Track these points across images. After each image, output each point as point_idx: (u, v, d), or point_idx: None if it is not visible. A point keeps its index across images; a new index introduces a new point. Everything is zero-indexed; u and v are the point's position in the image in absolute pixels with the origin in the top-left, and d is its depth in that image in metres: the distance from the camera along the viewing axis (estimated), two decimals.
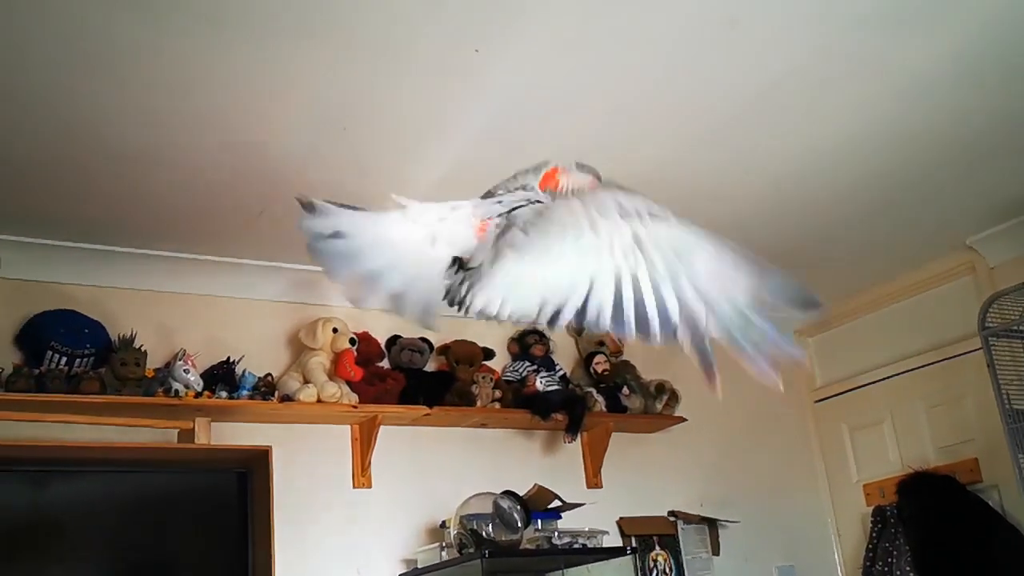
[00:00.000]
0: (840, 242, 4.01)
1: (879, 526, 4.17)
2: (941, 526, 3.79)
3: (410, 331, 3.96)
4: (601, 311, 1.21)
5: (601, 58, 2.61)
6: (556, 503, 3.57)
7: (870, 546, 4.16)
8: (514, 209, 1.40)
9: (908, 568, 3.89)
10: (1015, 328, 3.57)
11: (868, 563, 4.12)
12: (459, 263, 1.37)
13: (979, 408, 3.97)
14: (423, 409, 3.71)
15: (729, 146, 3.17)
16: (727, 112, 2.96)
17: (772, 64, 2.72)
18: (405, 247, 1.38)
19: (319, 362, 3.61)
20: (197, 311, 3.66)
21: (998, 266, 4.03)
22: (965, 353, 4.06)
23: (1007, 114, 3.05)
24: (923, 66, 2.77)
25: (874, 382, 4.58)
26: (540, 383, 4.01)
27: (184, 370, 3.31)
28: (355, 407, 3.58)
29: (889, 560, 4.00)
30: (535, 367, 4.07)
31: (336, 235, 1.38)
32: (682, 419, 4.26)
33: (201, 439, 3.22)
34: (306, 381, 3.56)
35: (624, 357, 4.35)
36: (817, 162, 3.30)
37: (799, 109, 2.97)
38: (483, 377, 3.93)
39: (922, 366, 4.35)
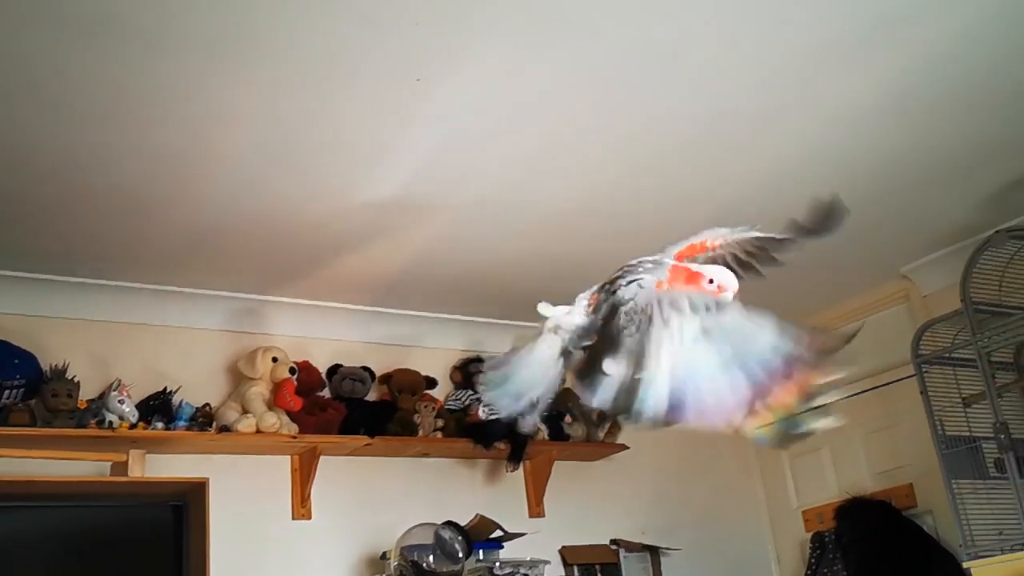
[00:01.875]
0: (779, 271, 4.06)
1: (817, 551, 4.21)
2: (878, 551, 3.84)
3: (351, 360, 3.93)
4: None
5: (543, 87, 2.62)
6: (498, 533, 3.56)
7: (808, 572, 4.20)
8: (615, 281, 1.57)
9: None
10: (947, 355, 3.64)
11: None
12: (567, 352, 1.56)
13: (914, 434, 4.04)
14: (364, 439, 3.67)
15: (671, 175, 3.20)
16: (669, 142, 3.00)
17: (712, 96, 2.76)
18: (543, 359, 1.59)
19: (258, 392, 3.56)
20: (133, 340, 3.59)
21: (931, 294, 4.12)
22: (900, 380, 4.13)
23: (939, 145, 3.12)
24: (859, 99, 2.84)
25: (812, 409, 4.62)
26: (483, 412, 3.97)
27: (119, 401, 3.24)
28: (295, 437, 3.54)
29: None
30: (478, 396, 4.05)
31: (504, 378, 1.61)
32: (624, 447, 4.27)
33: (135, 471, 3.15)
34: (245, 411, 3.51)
35: (566, 385, 4.34)
36: (756, 191, 3.35)
37: (739, 139, 3.02)
38: (425, 406, 3.91)
39: (859, 393, 4.41)
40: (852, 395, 4.45)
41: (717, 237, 1.70)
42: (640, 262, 1.55)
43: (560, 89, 2.65)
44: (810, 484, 4.60)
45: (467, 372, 4.14)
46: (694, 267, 1.44)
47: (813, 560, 4.22)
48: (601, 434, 4.26)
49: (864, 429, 4.39)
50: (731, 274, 1.42)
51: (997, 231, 3.50)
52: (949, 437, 3.54)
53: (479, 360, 4.16)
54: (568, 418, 4.20)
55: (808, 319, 4.59)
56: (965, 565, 3.31)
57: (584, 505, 4.26)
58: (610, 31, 2.41)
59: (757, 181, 3.27)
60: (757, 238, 1.71)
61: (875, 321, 4.41)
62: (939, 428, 3.54)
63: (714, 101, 2.79)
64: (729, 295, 1.38)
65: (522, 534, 3.67)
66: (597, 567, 4.13)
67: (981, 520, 3.40)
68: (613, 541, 4.22)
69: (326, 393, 3.84)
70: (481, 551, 3.49)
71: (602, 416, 4.30)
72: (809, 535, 4.39)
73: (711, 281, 1.40)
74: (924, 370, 3.64)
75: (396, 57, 2.43)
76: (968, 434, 3.54)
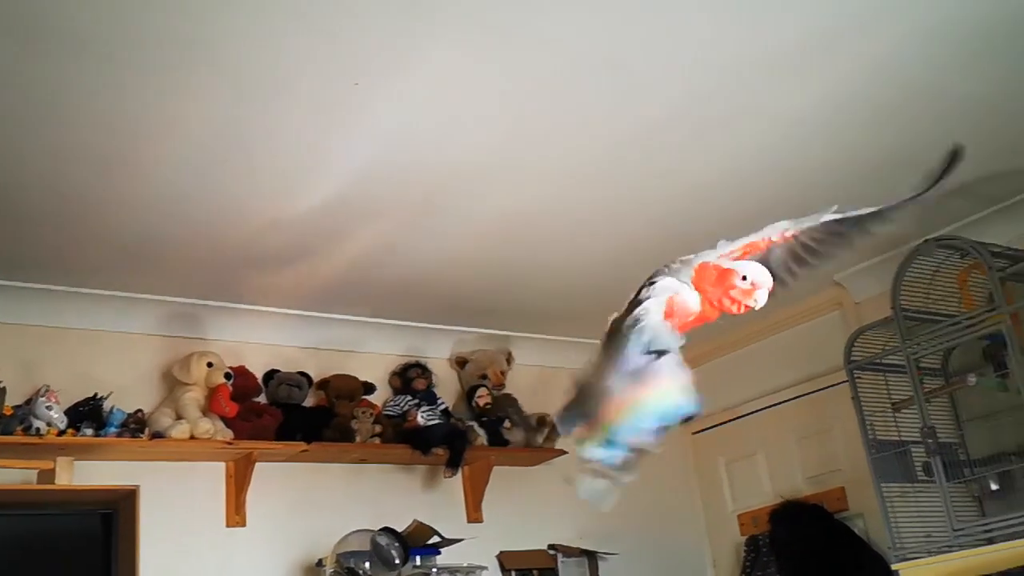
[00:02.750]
0: None
1: (752, 555, 4.27)
2: (810, 553, 3.90)
3: (288, 365, 3.90)
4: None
5: (484, 92, 2.63)
6: (435, 539, 3.55)
7: (743, 574, 4.25)
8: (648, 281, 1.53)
9: None
10: (878, 361, 3.72)
11: None
12: None
13: (846, 439, 4.12)
14: (300, 445, 3.64)
15: (611, 184, 3.22)
16: (609, 151, 3.02)
17: (653, 106, 2.79)
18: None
19: (192, 397, 3.51)
20: (63, 345, 3.51)
21: (863, 301, 4.20)
22: (833, 386, 4.20)
23: (874, 156, 3.18)
24: (799, 109, 2.88)
25: (748, 414, 4.70)
26: (421, 417, 3.98)
27: (46, 407, 3.16)
28: (229, 443, 3.49)
29: None
30: (417, 401, 4.04)
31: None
32: (563, 452, 4.27)
33: (62, 479, 3.08)
34: (179, 417, 3.46)
35: (506, 390, 4.36)
36: (695, 200, 3.39)
37: (679, 149, 3.05)
38: (363, 412, 3.88)
39: (793, 398, 4.49)
40: (786, 400, 4.53)
41: (780, 231, 1.60)
42: (672, 263, 1.49)
43: (503, 96, 2.66)
44: (745, 488, 4.66)
45: (406, 378, 4.13)
46: (726, 263, 1.38)
47: (748, 563, 4.28)
48: (540, 439, 4.27)
49: (798, 434, 4.46)
50: (765, 270, 1.36)
51: (926, 240, 3.58)
52: (879, 441, 3.60)
53: (418, 365, 4.15)
54: (507, 423, 4.21)
55: (745, 327, 4.65)
56: (893, 567, 3.37)
57: (523, 510, 4.27)
58: (555, 38, 2.42)
59: (702, 188, 3.30)
60: (828, 222, 1.60)
61: (809, 328, 4.48)
62: (870, 433, 3.61)
63: (660, 109, 2.81)
64: (763, 293, 1.34)
65: (460, 539, 3.67)
66: (535, 572, 4.14)
67: (909, 523, 3.48)
68: (551, 546, 4.23)
69: (262, 399, 3.81)
70: (418, 557, 3.47)
71: (541, 421, 4.32)
72: (744, 538, 4.45)
73: (744, 278, 1.36)
74: (856, 376, 3.71)
75: (334, 61, 2.41)
76: (898, 438, 3.61)
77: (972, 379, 3.43)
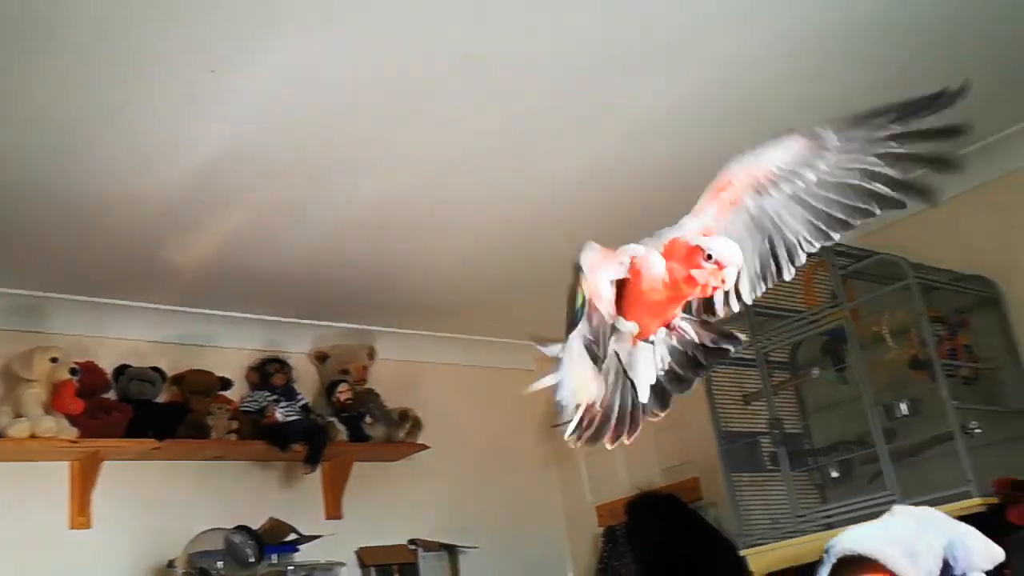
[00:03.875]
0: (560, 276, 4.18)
1: (609, 545, 4.37)
2: (663, 542, 4.01)
3: (140, 360, 3.76)
4: None
5: (342, 85, 2.59)
6: (292, 536, 3.49)
7: (601, 565, 4.34)
8: None
9: None
10: (731, 356, 3.84)
11: None
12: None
13: (700, 431, 4.22)
14: (151, 442, 3.52)
15: (468, 181, 3.23)
16: (467, 147, 3.03)
17: (511, 102, 2.81)
18: None
19: (34, 394, 3.35)
20: None
21: None
22: None
23: (725, 158, 3.29)
24: (651, 111, 2.95)
25: None
26: (280, 413, 3.90)
27: None
28: (74, 442, 3.34)
29: None
30: (275, 397, 3.96)
31: None
32: (425, 447, 4.28)
33: None
34: (18, 415, 3.29)
35: (368, 385, 4.32)
36: (552, 197, 3.43)
37: (537, 146, 3.08)
38: (219, 408, 3.78)
39: None
40: None
41: (747, 165, 1.34)
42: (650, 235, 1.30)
43: (361, 89, 2.63)
44: (603, 480, 4.75)
45: (264, 373, 4.04)
46: (694, 239, 1.20)
47: (605, 553, 4.37)
48: (401, 434, 4.26)
49: (655, 426, 4.50)
50: (734, 247, 1.17)
51: None
52: (731, 433, 3.73)
53: (277, 360, 4.07)
54: (369, 419, 4.18)
55: None
56: (741, 553, 3.50)
57: (384, 506, 4.24)
58: (412, 34, 2.41)
59: (566, 184, 3.34)
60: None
61: None
62: (722, 424, 3.73)
63: (516, 107, 2.83)
64: (731, 272, 1.16)
65: (317, 537, 3.62)
66: (395, 567, 4.12)
67: (757, 510, 3.61)
68: (412, 541, 4.22)
69: (112, 395, 3.66)
70: (274, 555, 3.41)
71: (403, 416, 4.30)
72: (602, 530, 4.54)
73: (709, 257, 1.17)
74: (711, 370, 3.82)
75: (191, 47, 2.34)
76: (748, 430, 3.75)
77: (816, 372, 3.59)
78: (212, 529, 3.31)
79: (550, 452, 5.01)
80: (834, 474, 3.62)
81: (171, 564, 3.36)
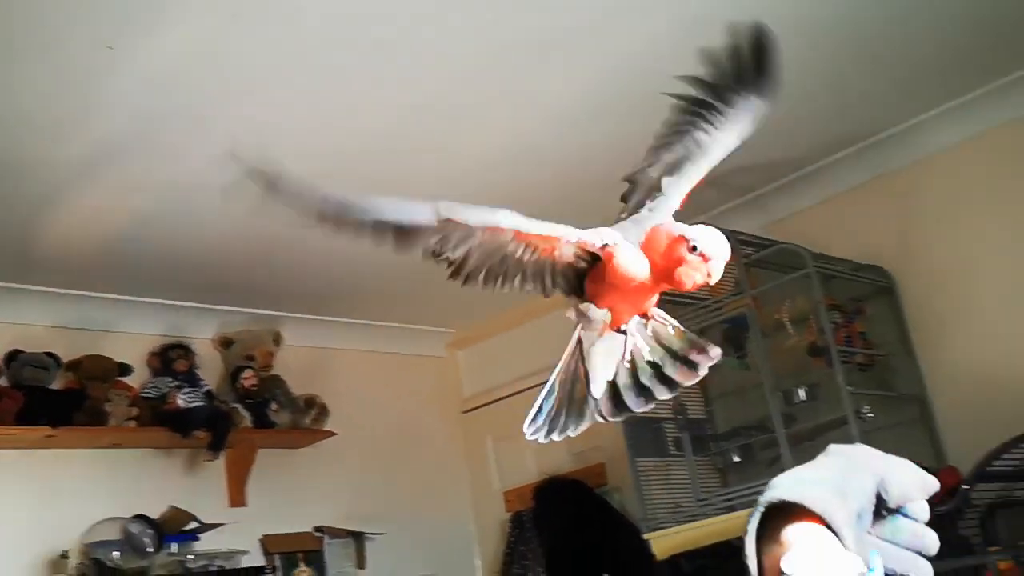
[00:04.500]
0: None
1: (517, 531, 4.40)
2: (571, 527, 4.05)
3: (35, 346, 3.63)
4: None
5: (242, 67, 2.54)
6: (193, 524, 3.42)
7: (508, 550, 4.37)
8: None
9: (541, 569, 4.13)
10: None
11: (505, 567, 4.32)
12: None
13: None
14: (45, 430, 3.40)
15: (377, 164, 3.20)
16: (378, 129, 3.00)
17: (419, 87, 2.79)
18: None
19: None
20: None
21: None
22: None
23: (635, 146, 3.33)
24: (560, 97, 2.97)
25: (516, 393, 4.81)
26: (182, 400, 3.81)
27: None
28: None
29: (524, 563, 4.23)
30: (177, 383, 3.87)
31: None
32: (331, 433, 4.24)
33: None
34: None
35: (274, 372, 4.26)
36: (463, 181, 3.42)
37: (449, 129, 3.07)
38: (118, 394, 3.68)
39: None
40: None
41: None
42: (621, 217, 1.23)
43: (261, 71, 2.58)
44: (512, 466, 4.77)
45: (166, 358, 3.94)
46: (677, 228, 1.10)
47: (512, 538, 4.40)
48: (307, 421, 4.21)
49: None
50: (721, 239, 1.07)
51: None
52: (636, 418, 3.79)
53: (180, 346, 3.98)
54: (274, 405, 4.12)
55: (516, 308, 4.76)
56: (645, 536, 3.56)
57: (289, 493, 4.19)
58: (316, 16, 2.38)
59: (469, 170, 3.34)
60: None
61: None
62: None
63: (421, 92, 2.82)
64: (718, 266, 1.05)
65: (219, 525, 3.56)
66: (300, 555, 4.08)
67: (660, 494, 3.68)
68: (317, 528, 4.18)
69: (4, 382, 3.53)
70: (174, 544, 3.34)
71: (310, 402, 4.25)
72: (509, 515, 4.56)
73: (694, 248, 1.06)
74: None
75: (85, 23, 2.26)
76: (653, 415, 3.80)
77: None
78: (109, 519, 3.23)
79: (458, 438, 5.01)
80: (735, 458, 3.71)
81: (65, 555, 3.27)
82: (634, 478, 3.64)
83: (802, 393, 3.43)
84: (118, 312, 3.94)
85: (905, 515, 0.75)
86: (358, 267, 3.99)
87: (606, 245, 1.09)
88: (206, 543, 3.52)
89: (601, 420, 1.22)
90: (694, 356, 1.17)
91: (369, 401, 4.61)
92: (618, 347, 1.18)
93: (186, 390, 3.86)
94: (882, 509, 0.74)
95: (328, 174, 3.22)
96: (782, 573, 0.68)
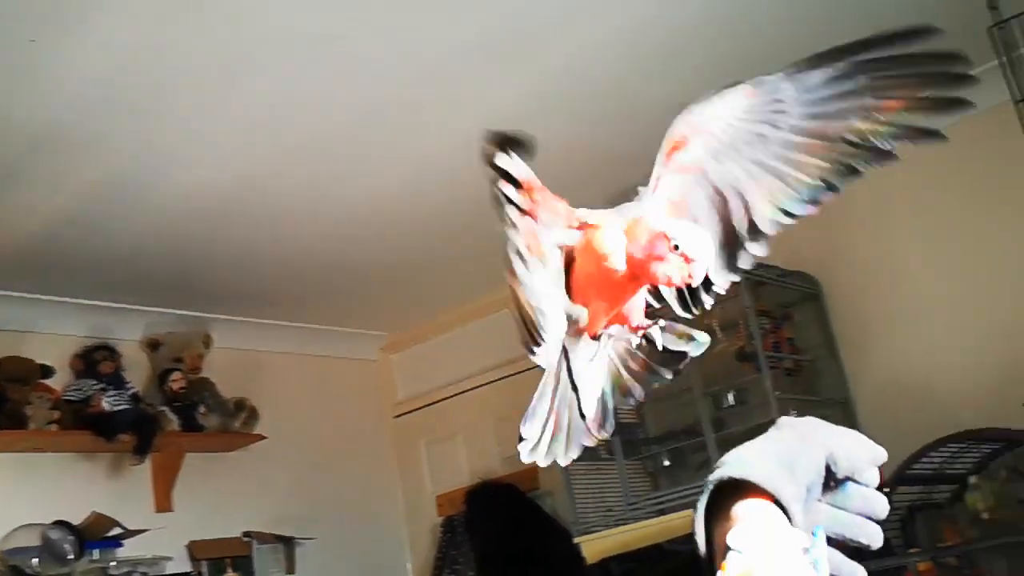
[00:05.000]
0: (424, 262, 4.18)
1: (448, 535, 4.38)
2: (502, 532, 4.05)
3: None
4: None
5: (178, 64, 2.50)
6: (116, 530, 3.35)
7: (439, 555, 4.35)
8: None
9: (472, 574, 4.12)
10: None
11: (437, 571, 4.31)
12: None
13: None
14: None
15: (326, 164, 3.17)
16: (324, 130, 2.97)
17: (362, 86, 2.77)
18: None
19: None
20: None
21: None
22: (529, 369, 4.37)
23: (579, 147, 3.33)
24: (502, 101, 2.97)
25: (449, 397, 4.81)
26: (107, 403, 3.73)
27: None
28: None
29: (455, 567, 4.22)
30: (102, 385, 3.78)
31: None
32: (261, 437, 4.19)
33: None
34: None
35: (204, 374, 4.19)
36: (399, 186, 3.41)
37: (395, 131, 3.05)
38: (39, 397, 3.58)
39: (492, 381, 4.64)
40: (485, 384, 4.68)
41: (693, 118, 1.05)
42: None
43: (197, 68, 2.54)
44: (444, 470, 4.76)
45: (91, 360, 3.85)
46: (659, 224, 0.98)
47: (444, 543, 4.38)
48: (237, 424, 4.15)
49: (496, 416, 4.61)
50: (704, 239, 0.97)
51: None
52: None
53: (105, 348, 3.89)
54: (203, 408, 4.05)
55: (450, 312, 4.75)
56: (575, 540, 3.57)
57: (217, 497, 4.12)
58: (254, 13, 2.35)
59: (412, 174, 3.33)
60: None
61: (509, 314, 4.63)
62: None
63: (364, 91, 2.80)
64: (699, 268, 0.96)
65: (144, 531, 3.49)
66: (227, 560, 4.01)
67: (592, 498, 3.70)
68: (246, 533, 4.12)
69: None
70: (96, 551, 3.26)
71: (240, 405, 4.19)
72: (441, 519, 4.55)
73: (676, 247, 0.96)
74: None
75: (8, 18, 2.20)
76: None
77: None
78: (28, 524, 3.14)
79: (391, 442, 4.98)
80: (666, 462, 3.75)
81: None
82: (566, 482, 3.66)
83: (731, 398, 3.49)
84: (40, 312, 3.84)
85: (856, 482, 0.77)
86: (290, 268, 3.96)
87: (587, 222, 1.00)
88: (130, 549, 3.44)
89: (591, 442, 1.11)
90: (682, 345, 1.06)
91: (300, 405, 4.56)
92: (602, 359, 1.09)
93: (111, 393, 3.78)
94: (830, 481, 0.76)
95: (262, 179, 3.19)
96: (729, 549, 0.68)
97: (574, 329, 1.05)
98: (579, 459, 3.58)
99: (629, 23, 2.69)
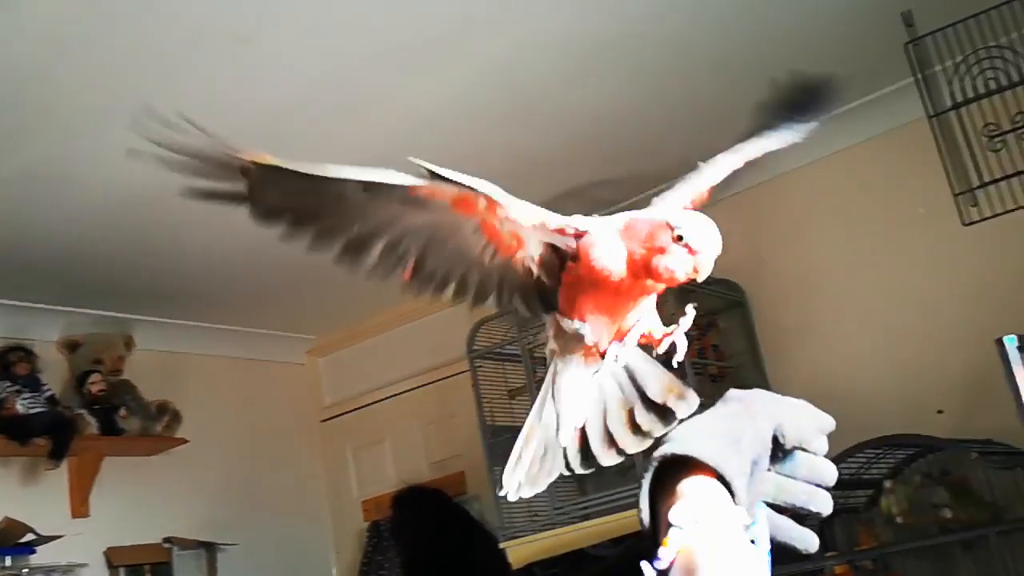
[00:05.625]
0: (333, 275, 4.14)
1: (375, 540, 4.35)
2: (429, 537, 4.04)
3: None
4: None
5: (96, 56, 2.44)
6: (30, 536, 3.25)
7: (364, 560, 4.32)
8: None
9: None
10: (498, 351, 3.92)
11: None
12: None
13: (467, 425, 4.29)
14: None
15: None
16: (245, 130, 2.89)
17: (282, 86, 2.74)
18: None
19: None
20: None
21: None
22: (457, 374, 4.38)
23: (499, 150, 3.34)
24: (421, 103, 2.96)
25: (377, 401, 4.78)
26: (21, 405, 3.63)
27: None
28: None
29: (381, 572, 4.19)
30: (17, 388, 3.68)
31: None
32: (183, 441, 4.11)
33: None
34: None
35: (124, 376, 4.10)
36: None
37: (314, 133, 3.02)
38: None
39: (420, 386, 4.63)
40: (413, 388, 4.66)
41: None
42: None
43: (111, 66, 2.49)
44: (371, 475, 4.73)
45: (5, 362, 3.74)
46: (660, 215, 0.93)
47: (370, 548, 4.35)
48: (159, 428, 4.06)
49: (424, 420, 4.60)
50: (710, 226, 0.91)
51: None
52: (496, 427, 3.80)
53: (20, 349, 3.78)
54: (123, 411, 3.96)
55: (378, 316, 4.72)
56: (501, 545, 3.57)
57: (137, 503, 4.03)
58: (169, 8, 2.31)
59: None
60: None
61: (439, 318, 4.63)
62: (487, 419, 3.80)
63: (285, 92, 2.77)
64: (706, 260, 0.90)
65: (58, 536, 3.40)
66: (147, 567, 3.93)
67: (518, 503, 3.70)
68: (166, 539, 4.04)
69: None
70: (8, 557, 3.17)
71: (162, 408, 4.11)
72: (367, 524, 4.52)
73: (679, 237, 0.90)
74: (477, 364, 3.89)
75: None
76: (513, 424, 3.83)
77: None
78: None
79: (317, 446, 4.93)
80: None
81: None
82: (492, 487, 3.66)
83: None
84: None
85: (805, 450, 0.78)
86: (216, 269, 3.89)
87: (581, 231, 0.92)
88: (44, 556, 3.35)
89: (568, 472, 1.02)
90: (671, 402, 0.96)
91: (225, 408, 4.48)
92: (588, 382, 0.98)
93: (26, 395, 3.68)
94: (778, 451, 0.76)
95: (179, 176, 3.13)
96: (671, 525, 0.69)
97: (575, 347, 0.97)
98: (506, 463, 3.55)
99: (552, 29, 2.70)
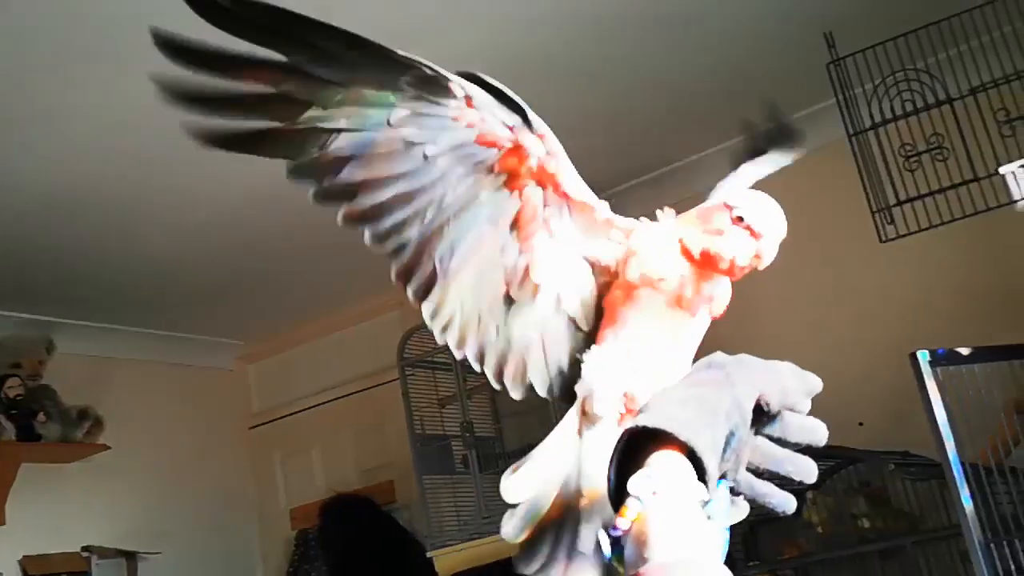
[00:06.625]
0: (284, 272, 4.10)
1: (301, 549, 4.31)
2: (356, 545, 4.01)
3: None
4: None
5: (21, 51, 2.39)
6: None
7: (291, 569, 4.27)
8: None
9: None
10: (429, 360, 3.91)
11: None
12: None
13: (397, 434, 4.26)
14: None
15: (182, 166, 3.05)
16: (180, 132, 2.87)
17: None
18: None
19: None
20: None
21: None
22: (388, 382, 4.35)
23: None
24: None
25: (306, 409, 4.73)
26: None
27: None
28: None
29: None
30: None
31: None
32: (106, 447, 4.02)
33: None
34: None
35: (44, 381, 3.99)
36: (265, 191, 3.32)
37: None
38: None
39: (351, 394, 4.59)
40: (343, 396, 4.62)
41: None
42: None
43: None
44: (300, 483, 4.68)
45: None
46: (716, 198, 0.87)
47: (296, 557, 4.30)
48: (80, 434, 3.97)
49: (354, 429, 4.57)
50: (777, 210, 0.82)
51: None
52: (426, 436, 3.79)
53: None
54: (42, 416, 3.86)
55: (309, 324, 4.67)
56: (429, 554, 3.56)
57: (56, 511, 3.93)
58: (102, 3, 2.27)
59: (262, 179, 3.22)
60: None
61: (370, 326, 4.61)
62: (417, 428, 3.78)
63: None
64: (770, 245, 0.81)
65: None
66: None
67: (448, 512, 3.69)
68: (85, 548, 3.94)
69: None
70: None
71: (83, 414, 4.01)
72: (295, 533, 4.46)
73: (740, 219, 0.81)
74: (408, 373, 3.87)
75: None
76: (442, 432, 3.82)
77: None
78: None
79: (245, 454, 4.86)
80: None
81: None
82: (421, 496, 3.65)
83: None
84: None
85: (792, 410, 0.77)
86: (143, 271, 3.82)
87: (631, 231, 0.82)
88: None
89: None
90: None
91: (151, 414, 4.40)
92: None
93: None
94: (763, 417, 0.76)
95: (120, 175, 3.07)
96: (629, 495, 0.69)
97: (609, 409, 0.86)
98: (435, 472, 3.55)
99: (480, 42, 2.72)
